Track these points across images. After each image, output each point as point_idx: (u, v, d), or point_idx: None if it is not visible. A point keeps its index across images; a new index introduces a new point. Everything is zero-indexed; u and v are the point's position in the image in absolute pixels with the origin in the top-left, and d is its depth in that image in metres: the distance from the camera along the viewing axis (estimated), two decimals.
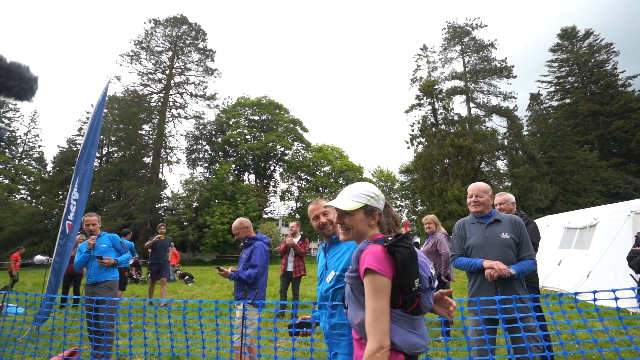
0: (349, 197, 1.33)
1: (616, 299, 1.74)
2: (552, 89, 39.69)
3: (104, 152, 33.47)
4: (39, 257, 7.97)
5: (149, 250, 8.01)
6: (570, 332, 1.75)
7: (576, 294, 1.89)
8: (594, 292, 1.79)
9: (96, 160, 32.44)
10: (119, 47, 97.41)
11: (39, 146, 39.21)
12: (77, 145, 31.31)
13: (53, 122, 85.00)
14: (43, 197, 30.38)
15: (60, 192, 29.97)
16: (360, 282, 1.20)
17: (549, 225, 10.29)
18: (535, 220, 12.97)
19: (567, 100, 38.31)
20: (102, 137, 30.18)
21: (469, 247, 2.58)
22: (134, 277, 12.03)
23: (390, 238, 1.22)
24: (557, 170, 29.26)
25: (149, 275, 8.27)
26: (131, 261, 10.74)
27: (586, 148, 32.69)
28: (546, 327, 2.41)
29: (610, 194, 27.77)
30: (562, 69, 38.91)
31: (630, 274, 2.65)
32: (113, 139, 31.77)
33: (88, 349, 3.86)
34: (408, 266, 1.13)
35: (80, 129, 32.99)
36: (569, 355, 2.67)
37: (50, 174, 32.71)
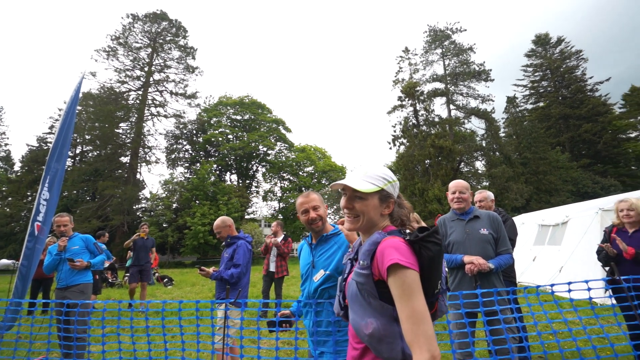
0: (364, 178, 1.13)
1: (589, 289, 1.82)
2: (527, 92, 41.25)
3: (77, 152, 32.11)
4: (4, 261, 7.55)
5: (129, 252, 7.69)
6: (547, 322, 1.81)
7: (552, 285, 1.96)
8: (569, 283, 1.86)
9: (69, 159, 31.11)
10: (95, 42, 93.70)
11: (6, 144, 37.14)
12: (48, 144, 29.90)
13: (22, 120, 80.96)
14: (10, 199, 28.79)
15: (29, 193, 28.50)
16: (372, 281, 1.03)
17: (525, 223, 10.66)
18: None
19: (541, 104, 39.92)
20: (75, 135, 28.95)
21: (449, 243, 2.62)
22: (110, 280, 11.59)
23: (408, 231, 1.08)
24: (531, 171, 30.39)
25: (126, 278, 7.96)
26: (107, 264, 10.35)
27: (558, 149, 34.14)
28: (523, 319, 2.50)
29: (579, 193, 29.11)
30: (536, 74, 40.50)
31: (601, 265, 2.77)
32: (88, 137, 30.49)
33: (57, 357, 3.67)
34: (436, 265, 0.99)
35: (51, 127, 31.53)
36: (545, 345, 2.77)
37: (18, 174, 31.05)
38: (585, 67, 37.76)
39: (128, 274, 9.05)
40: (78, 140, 30.72)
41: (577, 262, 6.99)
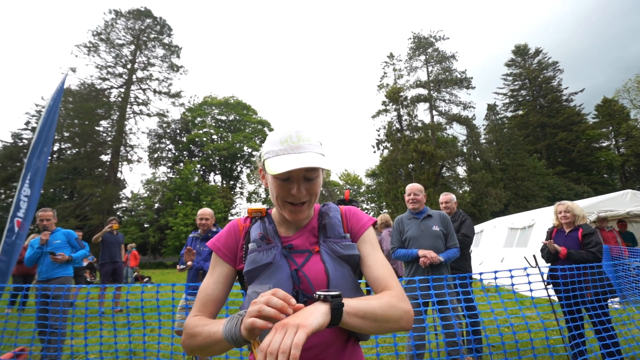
0: (316, 150, 0.89)
1: (512, 277, 2.13)
2: (507, 100, 42.73)
3: (55, 149, 31.18)
4: None
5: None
6: (473, 304, 2.12)
7: (481, 273, 2.27)
8: (495, 272, 2.17)
9: None
10: (75, 37, 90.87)
11: None
12: (24, 140, 28.96)
13: None
14: None
15: (1, 191, 27.51)
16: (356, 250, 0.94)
17: (496, 227, 11.20)
18: (485, 222, 13.72)
19: (520, 112, 41.43)
20: None
21: (406, 239, 2.92)
22: (88, 280, 11.47)
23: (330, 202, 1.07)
24: (510, 177, 31.50)
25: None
26: (85, 263, 10.25)
27: (535, 157, 35.50)
28: (473, 302, 2.82)
29: (555, 200, 30.29)
30: (515, 83, 42.03)
31: (524, 257, 3.13)
32: (66, 134, 29.69)
33: (39, 348, 3.77)
34: None
35: (27, 123, 30.47)
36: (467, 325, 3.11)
37: None
38: (561, 78, 39.50)
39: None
40: (56, 137, 29.86)
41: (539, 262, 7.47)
